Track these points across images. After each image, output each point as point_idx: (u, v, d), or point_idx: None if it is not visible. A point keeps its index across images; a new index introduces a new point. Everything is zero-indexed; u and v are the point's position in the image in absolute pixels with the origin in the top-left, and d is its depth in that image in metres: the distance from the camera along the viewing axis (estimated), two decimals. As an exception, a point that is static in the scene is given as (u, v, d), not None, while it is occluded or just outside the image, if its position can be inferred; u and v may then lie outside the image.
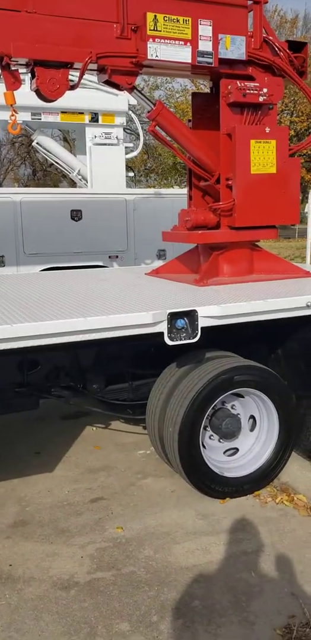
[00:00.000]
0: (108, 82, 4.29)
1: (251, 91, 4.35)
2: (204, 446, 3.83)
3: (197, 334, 3.52)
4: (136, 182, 35.87)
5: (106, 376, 4.27)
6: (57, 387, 4.20)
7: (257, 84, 4.40)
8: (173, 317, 3.45)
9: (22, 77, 4.08)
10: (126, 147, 8.94)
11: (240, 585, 3.04)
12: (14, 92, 4.00)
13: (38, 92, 4.07)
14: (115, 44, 4.06)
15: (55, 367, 4.18)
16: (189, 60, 4.08)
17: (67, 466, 4.49)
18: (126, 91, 4.51)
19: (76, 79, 4.08)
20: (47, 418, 5.38)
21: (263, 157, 4.39)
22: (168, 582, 3.09)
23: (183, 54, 4.04)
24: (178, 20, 4.00)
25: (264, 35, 4.49)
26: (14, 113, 4.06)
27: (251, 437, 4.07)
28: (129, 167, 11.76)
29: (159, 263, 6.82)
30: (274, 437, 3.97)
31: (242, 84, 4.33)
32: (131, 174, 11.77)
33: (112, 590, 3.04)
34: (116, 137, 8.60)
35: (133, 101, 8.45)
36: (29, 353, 3.66)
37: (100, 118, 8.50)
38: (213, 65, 4.15)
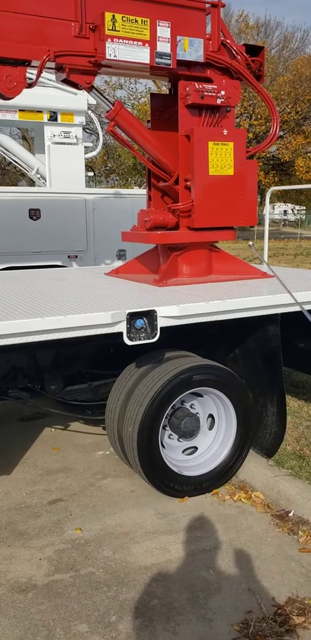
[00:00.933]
0: (66, 81, 4.26)
1: (209, 93, 4.40)
2: (163, 445, 3.85)
3: (156, 334, 3.54)
4: (97, 182, 35.74)
5: (65, 377, 4.23)
6: (15, 388, 4.14)
7: (215, 87, 4.45)
8: (132, 317, 3.45)
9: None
10: (85, 147, 8.89)
11: (198, 583, 3.07)
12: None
13: (-5, 90, 3.99)
14: (73, 43, 4.03)
15: (12, 368, 4.12)
16: (148, 61, 4.09)
17: (25, 468, 4.44)
18: (84, 90, 4.48)
19: (34, 77, 4.03)
20: (4, 420, 5.31)
21: (220, 158, 4.44)
22: (126, 582, 3.09)
23: (141, 55, 4.05)
24: (136, 21, 4.00)
25: (222, 38, 4.54)
26: None
27: (209, 436, 4.11)
28: (89, 167, 11.71)
29: (119, 263, 6.82)
30: (232, 436, 4.02)
31: (200, 86, 4.37)
32: (91, 173, 11.71)
33: (71, 591, 3.02)
34: (75, 137, 8.55)
35: (92, 101, 8.42)
36: (-15, 354, 3.60)
37: (59, 117, 8.43)
38: (171, 66, 4.18)
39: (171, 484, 3.84)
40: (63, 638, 2.69)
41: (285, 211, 50.98)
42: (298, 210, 45.20)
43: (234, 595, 2.98)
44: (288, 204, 47.54)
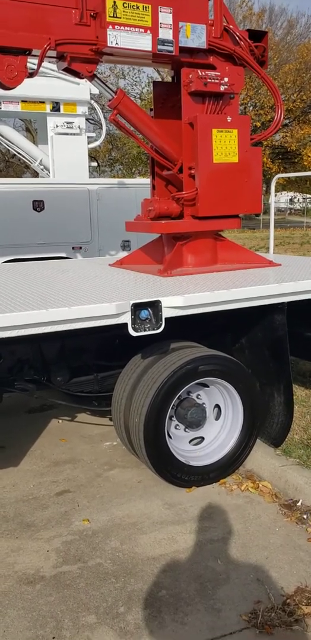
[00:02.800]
0: (68, 70, 4.21)
1: (213, 80, 4.34)
2: (170, 436, 3.84)
3: (161, 324, 3.52)
4: (101, 172, 35.62)
5: (71, 368, 4.23)
6: (21, 380, 4.13)
7: (218, 73, 4.39)
8: (137, 308, 3.43)
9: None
10: (88, 137, 8.84)
11: (207, 573, 3.07)
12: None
13: (-4, 80, 3.96)
14: (74, 31, 3.98)
15: (18, 360, 4.11)
16: (150, 49, 4.04)
17: (32, 460, 4.44)
18: (86, 79, 4.44)
19: (35, 67, 3.99)
20: (12, 412, 5.31)
21: (225, 146, 4.39)
22: (134, 572, 3.08)
23: (143, 42, 4.00)
24: (137, 7, 3.95)
25: (224, 24, 4.48)
26: None
27: (216, 426, 4.10)
28: (92, 157, 11.65)
29: (123, 254, 6.78)
30: (239, 425, 4.00)
31: (203, 73, 4.32)
32: (95, 163, 11.65)
33: (79, 583, 3.02)
34: (78, 127, 8.50)
35: (95, 90, 8.36)
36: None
37: (61, 107, 8.38)
38: (173, 53, 4.12)
39: (178, 474, 3.83)
40: (71, 629, 2.69)
41: (291, 199, 50.67)
42: (304, 198, 44.94)
43: (243, 585, 2.97)
44: (295, 193, 47.27)
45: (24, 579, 3.06)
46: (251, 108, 33.36)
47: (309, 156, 33.31)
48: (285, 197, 49.98)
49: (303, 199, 45.41)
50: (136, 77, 34.01)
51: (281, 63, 32.72)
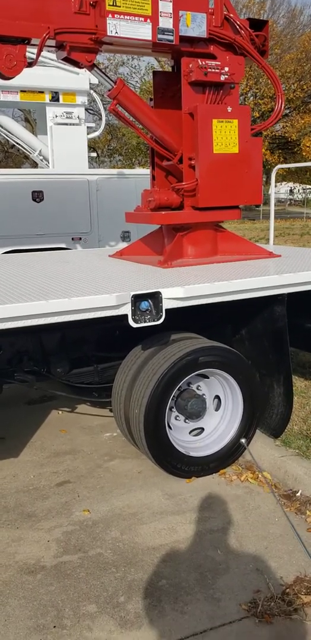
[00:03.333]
0: (67, 60, 4.18)
1: (213, 70, 4.32)
2: (170, 427, 3.85)
3: (161, 316, 3.51)
4: (100, 162, 35.49)
5: (71, 359, 4.23)
6: (21, 371, 4.13)
7: (218, 63, 4.36)
8: (137, 299, 3.43)
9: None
10: (88, 127, 8.80)
11: (206, 563, 3.08)
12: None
13: (-5, 69, 3.94)
14: (74, 20, 3.95)
15: (18, 352, 4.11)
16: (150, 38, 4.01)
17: (32, 451, 4.45)
18: (86, 69, 4.41)
19: (34, 56, 3.96)
20: (12, 403, 5.32)
21: (225, 136, 4.37)
22: (134, 562, 3.10)
23: (143, 31, 3.98)
24: (137, -4, 3.92)
25: (225, 12, 4.44)
26: None
27: (216, 417, 4.10)
28: (92, 148, 11.61)
29: (123, 245, 6.77)
30: (238, 416, 4.01)
31: (203, 63, 4.29)
32: (94, 154, 11.62)
33: (79, 572, 3.03)
34: (78, 117, 8.45)
35: (95, 80, 8.31)
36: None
37: (61, 97, 8.33)
38: (173, 43, 4.10)
39: (178, 464, 3.84)
40: (72, 618, 2.71)
41: (291, 190, 50.52)
42: (304, 189, 44.81)
43: (242, 575, 2.99)
44: (295, 183, 47.13)
45: (25, 569, 3.07)
46: (251, 98, 33.20)
47: (307, 146, 33.21)
48: (285, 187, 49.84)
49: (303, 189, 45.29)
50: (135, 66, 33.85)
51: (283, 53, 32.52)
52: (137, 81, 33.45)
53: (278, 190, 48.09)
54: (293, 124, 33.31)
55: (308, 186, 43.50)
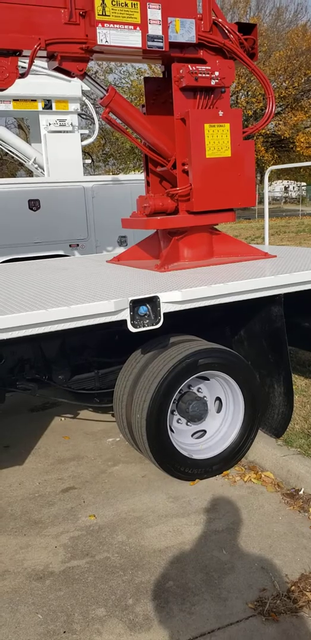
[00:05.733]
0: (59, 69, 4.22)
1: (203, 75, 4.36)
2: (172, 430, 3.88)
3: (160, 319, 3.55)
4: (95, 167, 35.54)
5: (72, 366, 4.26)
6: (23, 380, 4.17)
7: (209, 67, 4.41)
8: (135, 304, 3.46)
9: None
10: (81, 134, 8.84)
11: (212, 563, 3.12)
12: None
13: (-13, 82, 3.98)
14: (64, 30, 3.99)
15: (19, 360, 4.14)
16: (140, 45, 4.05)
17: (37, 458, 4.49)
18: (77, 78, 4.45)
19: (26, 67, 4.01)
20: (14, 411, 5.35)
21: (217, 140, 4.42)
22: (141, 565, 3.13)
23: (133, 39, 4.02)
24: (126, 4, 3.96)
25: (213, 17, 4.49)
26: None
27: (218, 419, 4.14)
28: (86, 154, 11.65)
29: (120, 250, 6.81)
30: (240, 417, 4.04)
31: (194, 68, 4.33)
32: (89, 160, 11.65)
33: (88, 577, 3.07)
34: (71, 124, 8.49)
35: (87, 87, 8.35)
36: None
37: (53, 105, 8.37)
38: (163, 49, 4.14)
39: (182, 467, 3.87)
40: (82, 622, 2.74)
41: (286, 187, 50.57)
42: (299, 186, 44.87)
43: (248, 574, 3.02)
44: (289, 181, 47.21)
45: (33, 575, 3.11)
46: (243, 97, 33.26)
47: (302, 142, 33.26)
48: (279, 185, 49.89)
49: (298, 187, 45.34)
50: (124, 71, 33.84)
51: (271, 50, 32.57)
52: (128, 86, 33.42)
53: (273, 188, 48.15)
54: (286, 121, 33.36)
55: (302, 183, 43.56)
